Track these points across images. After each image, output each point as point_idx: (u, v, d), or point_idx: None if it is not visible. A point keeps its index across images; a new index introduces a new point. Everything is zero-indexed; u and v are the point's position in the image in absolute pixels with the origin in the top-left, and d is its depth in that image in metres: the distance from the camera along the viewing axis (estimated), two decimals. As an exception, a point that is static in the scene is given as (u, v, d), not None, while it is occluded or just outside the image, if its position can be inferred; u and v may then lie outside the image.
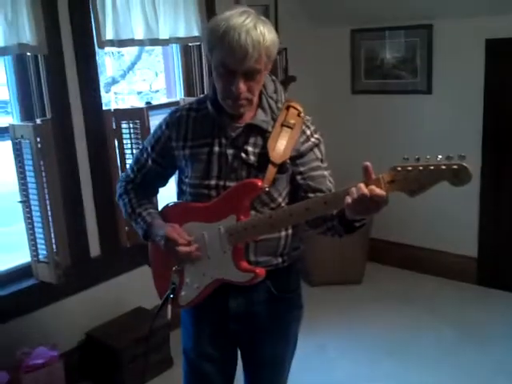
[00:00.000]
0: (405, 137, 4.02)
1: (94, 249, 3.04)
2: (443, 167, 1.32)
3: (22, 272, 2.84)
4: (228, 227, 1.63)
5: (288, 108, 1.69)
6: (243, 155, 1.65)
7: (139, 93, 5.92)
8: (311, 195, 1.65)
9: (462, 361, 3.08)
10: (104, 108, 3.04)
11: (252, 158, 1.65)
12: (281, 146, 1.63)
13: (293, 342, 1.88)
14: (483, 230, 3.83)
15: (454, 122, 3.79)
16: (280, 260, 1.73)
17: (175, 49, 3.53)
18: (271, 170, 1.62)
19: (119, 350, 2.88)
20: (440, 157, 1.34)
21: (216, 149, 1.67)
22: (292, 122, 1.66)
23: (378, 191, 1.37)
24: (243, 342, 1.84)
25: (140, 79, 6.04)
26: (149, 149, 1.81)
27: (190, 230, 1.70)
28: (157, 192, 1.96)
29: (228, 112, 1.64)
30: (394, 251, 4.23)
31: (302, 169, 1.67)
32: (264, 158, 1.63)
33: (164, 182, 1.93)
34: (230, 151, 1.66)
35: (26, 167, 2.67)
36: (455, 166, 1.31)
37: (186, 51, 3.52)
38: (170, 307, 1.73)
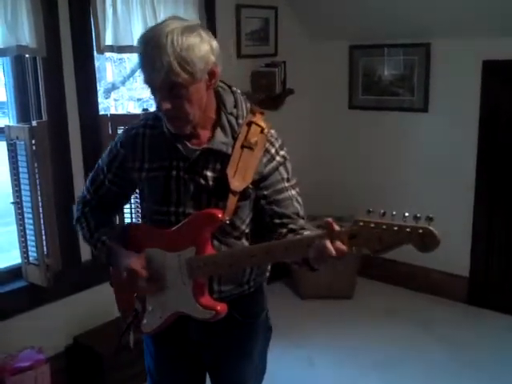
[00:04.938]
0: (400, 153, 4.04)
1: (85, 253, 3.03)
2: (408, 230, 1.21)
3: (12, 273, 2.83)
4: (188, 259, 1.51)
5: (250, 124, 1.54)
6: (202, 181, 1.52)
7: (139, 99, 5.92)
8: (277, 221, 1.54)
9: (451, 381, 3.06)
10: (100, 113, 3.04)
11: (211, 183, 1.52)
12: (241, 171, 1.49)
13: (259, 361, 1.79)
14: (475, 250, 3.83)
15: (449, 140, 3.81)
16: (246, 287, 1.65)
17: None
18: (232, 200, 1.48)
19: (105, 357, 2.85)
20: (407, 214, 1.23)
21: (173, 173, 1.54)
22: (254, 140, 1.51)
23: (343, 248, 1.29)
24: (207, 364, 1.77)
25: (140, 86, 6.05)
26: (104, 169, 1.67)
27: (151, 256, 1.58)
28: (118, 211, 1.82)
29: None
30: (386, 267, 4.21)
31: (265, 192, 1.54)
32: (224, 183, 1.50)
33: (125, 201, 1.82)
34: (188, 176, 1.53)
35: (20, 169, 2.67)
36: (420, 230, 1.20)
37: (186, 60, 3.53)
38: (132, 334, 1.68)
